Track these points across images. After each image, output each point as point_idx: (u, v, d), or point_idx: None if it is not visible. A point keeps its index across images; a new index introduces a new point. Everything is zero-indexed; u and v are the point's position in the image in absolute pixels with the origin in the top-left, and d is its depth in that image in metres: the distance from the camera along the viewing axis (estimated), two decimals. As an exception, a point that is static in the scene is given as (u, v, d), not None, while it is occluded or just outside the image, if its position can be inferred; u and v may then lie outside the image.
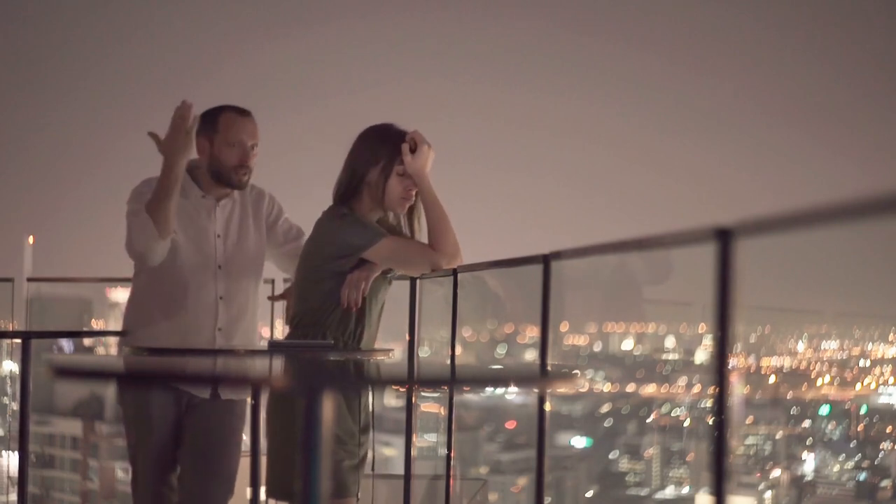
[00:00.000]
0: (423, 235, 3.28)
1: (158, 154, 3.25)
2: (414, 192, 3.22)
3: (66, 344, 6.04)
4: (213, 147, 3.43)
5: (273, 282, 4.83)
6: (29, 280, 5.86)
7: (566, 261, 2.96)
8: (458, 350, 4.05)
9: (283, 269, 3.76)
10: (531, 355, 3.79)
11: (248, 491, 3.17)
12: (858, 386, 20.77)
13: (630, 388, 22.04)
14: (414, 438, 4.31)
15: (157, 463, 3.40)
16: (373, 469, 3.24)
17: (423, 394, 4.60)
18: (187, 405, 3.42)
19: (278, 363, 2.37)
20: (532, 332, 3.27)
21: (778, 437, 20.13)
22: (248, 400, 3.39)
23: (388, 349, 3.22)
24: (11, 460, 5.95)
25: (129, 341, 3.48)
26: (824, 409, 20.30)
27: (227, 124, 3.43)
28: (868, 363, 21.07)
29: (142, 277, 3.50)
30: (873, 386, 20.74)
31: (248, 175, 3.48)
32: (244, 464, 3.32)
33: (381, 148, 3.19)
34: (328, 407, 1.43)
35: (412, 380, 1.61)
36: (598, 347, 20.85)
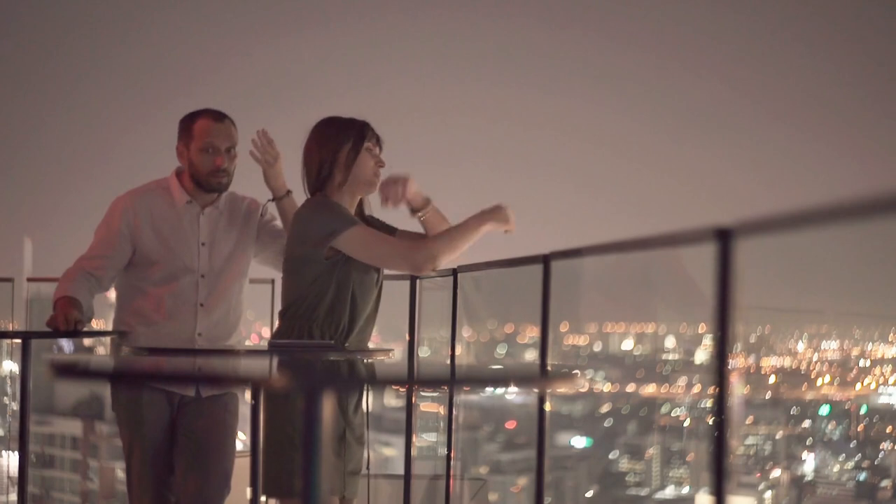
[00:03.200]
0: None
1: (156, 154, 3.25)
2: (380, 174, 3.20)
3: (66, 344, 6.04)
4: (190, 153, 3.42)
5: (273, 282, 4.83)
6: (29, 280, 5.86)
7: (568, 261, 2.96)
8: (458, 350, 4.05)
9: (277, 269, 3.75)
10: (531, 355, 3.79)
11: (248, 491, 3.17)
12: (858, 386, 20.78)
13: (630, 388, 22.04)
14: (414, 438, 4.31)
15: (154, 465, 3.38)
16: (367, 468, 3.23)
17: (422, 394, 4.60)
18: (179, 404, 3.41)
19: (274, 363, 2.36)
20: (532, 332, 3.27)
21: (778, 437, 20.14)
22: (247, 398, 3.39)
23: (388, 349, 3.21)
24: (11, 460, 5.95)
25: (126, 342, 3.47)
26: (824, 409, 20.31)
27: (201, 130, 3.40)
28: (868, 363, 21.08)
29: (123, 282, 3.49)
30: (873, 386, 20.75)
31: (228, 178, 3.46)
32: (244, 463, 3.31)
33: (348, 129, 3.17)
34: (328, 407, 1.43)
35: (412, 380, 1.61)
36: (598, 347, 20.84)
